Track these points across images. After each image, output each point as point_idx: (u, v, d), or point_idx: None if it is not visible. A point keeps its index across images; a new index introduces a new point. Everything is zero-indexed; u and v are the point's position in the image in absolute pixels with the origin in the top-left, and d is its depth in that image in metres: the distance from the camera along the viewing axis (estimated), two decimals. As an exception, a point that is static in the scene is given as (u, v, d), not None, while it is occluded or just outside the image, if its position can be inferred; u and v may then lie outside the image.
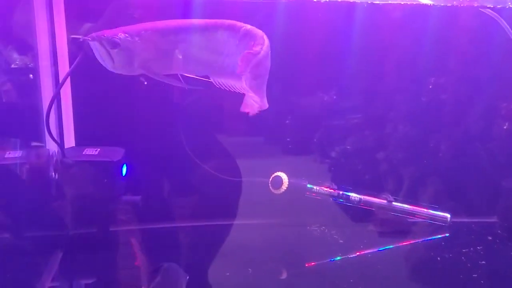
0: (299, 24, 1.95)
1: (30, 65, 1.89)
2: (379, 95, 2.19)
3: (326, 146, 2.22)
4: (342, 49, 2.02)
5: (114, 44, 1.41)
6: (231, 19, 1.46)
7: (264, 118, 2.12)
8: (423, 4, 1.93)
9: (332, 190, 2.06)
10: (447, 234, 2.05)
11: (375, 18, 1.99)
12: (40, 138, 1.86)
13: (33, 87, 1.86)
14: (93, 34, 1.42)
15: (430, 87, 2.18)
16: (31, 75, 1.89)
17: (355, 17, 1.95)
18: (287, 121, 2.19)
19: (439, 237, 2.05)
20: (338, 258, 2.01)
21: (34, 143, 1.91)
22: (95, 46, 1.40)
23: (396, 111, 2.21)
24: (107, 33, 1.42)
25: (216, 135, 2.12)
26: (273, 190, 2.04)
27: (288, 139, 2.20)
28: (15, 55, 1.89)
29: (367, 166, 2.24)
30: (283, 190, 2.02)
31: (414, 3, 1.92)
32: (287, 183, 2.02)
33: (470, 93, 2.19)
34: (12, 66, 1.90)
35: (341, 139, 2.22)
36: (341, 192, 2.06)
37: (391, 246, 2.08)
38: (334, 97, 2.17)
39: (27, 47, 1.86)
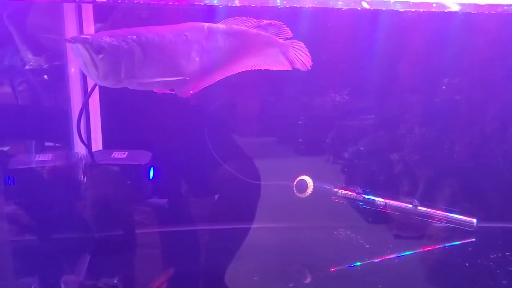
0: (314, 28, 1.94)
1: (57, 68, 1.90)
2: (392, 95, 2.18)
3: (339, 146, 2.21)
4: (355, 51, 2.02)
5: (100, 49, 1.20)
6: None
7: (276, 118, 2.13)
8: (436, 11, 1.91)
9: (357, 194, 2.05)
10: (473, 239, 2.03)
11: (390, 22, 1.99)
12: (69, 141, 1.87)
13: (62, 90, 1.88)
14: (76, 36, 1.24)
15: (444, 87, 2.17)
16: (57, 78, 1.91)
17: (370, 21, 1.94)
18: (300, 122, 2.18)
19: (465, 242, 2.03)
20: (358, 263, 2.00)
21: (61, 146, 1.93)
22: (77, 50, 1.20)
23: (410, 112, 2.20)
24: (92, 35, 1.25)
25: (233, 137, 2.12)
26: (297, 194, 2.04)
27: (300, 140, 2.19)
28: (44, 58, 1.91)
29: (381, 167, 2.22)
30: (308, 194, 2.02)
31: (430, 10, 1.91)
32: (312, 186, 2.02)
33: (485, 94, 2.17)
34: (40, 67, 1.92)
35: (354, 140, 2.21)
36: (366, 197, 2.05)
37: (416, 251, 2.07)
38: (347, 97, 2.16)
39: (56, 50, 1.88)
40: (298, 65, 1.48)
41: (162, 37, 1.32)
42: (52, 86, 1.92)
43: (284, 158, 2.20)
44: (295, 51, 1.48)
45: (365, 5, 1.61)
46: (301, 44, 1.48)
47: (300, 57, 1.48)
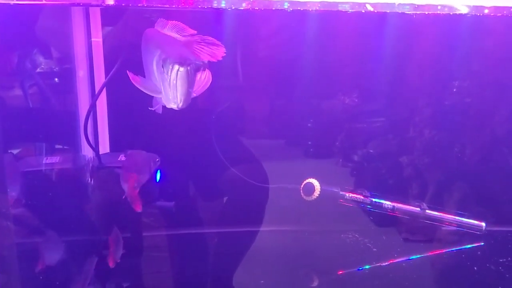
0: (322, 30, 1.94)
1: (66, 71, 1.91)
2: (402, 98, 2.17)
3: (348, 149, 2.20)
4: (365, 53, 2.01)
5: (200, 66, 1.14)
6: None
7: (285, 121, 2.13)
8: (445, 13, 1.90)
9: (364, 197, 2.04)
10: (482, 243, 2.01)
11: (399, 24, 1.98)
12: (76, 144, 1.88)
13: (70, 93, 1.89)
14: (186, 59, 1.12)
15: (454, 90, 2.15)
16: (65, 80, 1.92)
17: (379, 24, 1.93)
18: (309, 124, 2.17)
19: (474, 246, 2.02)
20: (366, 267, 1.99)
21: (69, 149, 1.94)
22: (180, 74, 1.11)
23: (420, 115, 2.19)
24: (182, 52, 1.16)
25: (241, 139, 2.12)
26: (304, 197, 2.03)
27: (309, 143, 2.19)
28: (53, 61, 1.92)
29: (391, 170, 2.21)
30: (315, 197, 2.01)
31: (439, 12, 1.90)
32: (319, 190, 2.01)
33: (496, 96, 2.15)
34: (49, 71, 1.93)
35: (363, 143, 2.20)
36: (373, 200, 2.04)
37: (425, 255, 2.06)
38: (356, 100, 2.15)
39: (64, 53, 1.89)
40: (207, 58, 1.34)
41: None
42: (61, 89, 1.93)
43: (293, 160, 2.19)
44: (201, 45, 1.42)
45: (369, 7, 1.59)
46: (208, 37, 1.43)
47: (207, 49, 1.41)
